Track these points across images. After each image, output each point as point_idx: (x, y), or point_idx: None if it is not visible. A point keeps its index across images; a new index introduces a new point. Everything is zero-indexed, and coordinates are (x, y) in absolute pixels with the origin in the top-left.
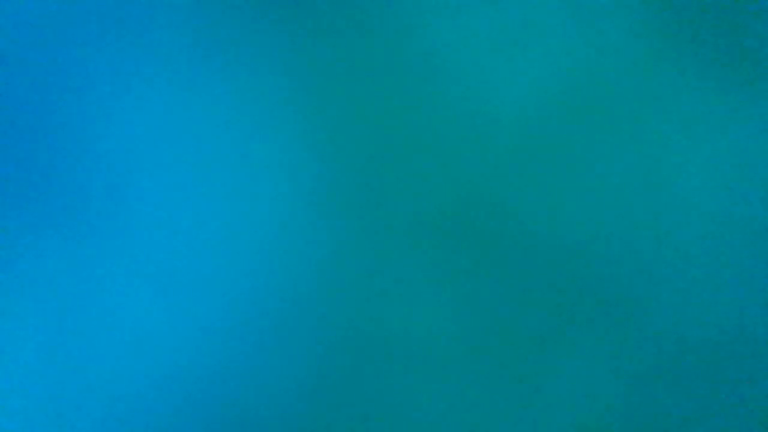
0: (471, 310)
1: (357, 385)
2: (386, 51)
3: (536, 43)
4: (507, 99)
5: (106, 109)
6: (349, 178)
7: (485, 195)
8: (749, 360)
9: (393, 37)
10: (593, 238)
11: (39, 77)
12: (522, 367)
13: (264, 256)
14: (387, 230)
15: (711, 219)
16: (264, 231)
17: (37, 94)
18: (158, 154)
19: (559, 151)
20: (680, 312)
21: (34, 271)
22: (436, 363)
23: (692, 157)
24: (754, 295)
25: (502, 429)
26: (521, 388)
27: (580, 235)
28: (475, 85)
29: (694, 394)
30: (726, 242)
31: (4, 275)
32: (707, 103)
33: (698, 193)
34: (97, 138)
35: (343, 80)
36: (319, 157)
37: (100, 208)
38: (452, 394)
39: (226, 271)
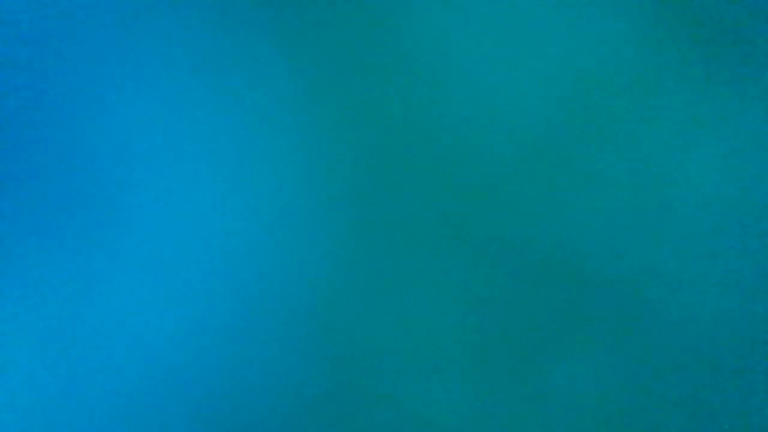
0: (473, 312)
1: (358, 385)
2: (389, 52)
3: (536, 45)
4: (509, 100)
5: (106, 109)
6: (350, 179)
7: (487, 196)
8: (750, 360)
9: (395, 38)
10: (595, 239)
11: (38, 77)
12: (525, 368)
13: (265, 258)
14: (388, 232)
15: (712, 219)
16: (265, 232)
17: (36, 94)
18: (159, 154)
19: (560, 152)
20: (682, 313)
21: (33, 270)
22: (438, 365)
23: (693, 157)
24: (755, 295)
25: (506, 430)
26: (524, 389)
27: (582, 236)
28: (475, 87)
29: (695, 395)
30: (727, 243)
31: (3, 275)
32: (708, 104)
33: (699, 194)
34: (98, 137)
35: (343, 83)
36: (319, 160)
37: (100, 208)
38: (454, 395)
39: (227, 273)
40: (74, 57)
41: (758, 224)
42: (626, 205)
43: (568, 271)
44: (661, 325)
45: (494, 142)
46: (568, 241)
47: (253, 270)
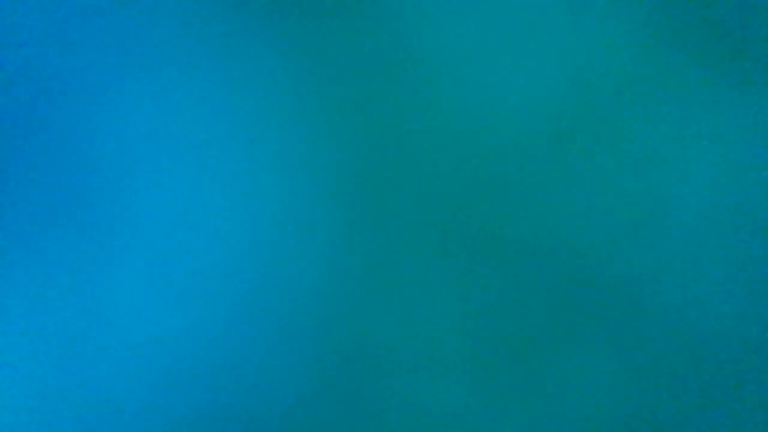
0: (474, 311)
1: (359, 385)
2: (389, 52)
3: (535, 45)
4: (510, 100)
5: (107, 109)
6: (350, 179)
7: (487, 196)
8: (750, 360)
9: (395, 38)
10: (594, 239)
11: (39, 76)
12: (525, 367)
13: (265, 257)
14: (389, 232)
15: (712, 220)
16: (265, 232)
17: (36, 94)
18: (160, 153)
19: (560, 151)
20: (682, 313)
21: (34, 271)
22: (438, 364)
23: (694, 157)
24: (755, 295)
25: (506, 429)
26: (524, 388)
27: (582, 236)
28: (476, 88)
29: (695, 395)
30: (727, 243)
31: (3, 275)
32: (707, 104)
33: (699, 194)
34: (99, 136)
35: (343, 82)
36: (320, 159)
37: (100, 208)
38: (454, 394)
39: (227, 273)
40: (75, 57)
41: (758, 224)
42: (627, 204)
43: (569, 270)
44: (661, 325)
45: (494, 143)
46: (568, 241)
47: (253, 270)
